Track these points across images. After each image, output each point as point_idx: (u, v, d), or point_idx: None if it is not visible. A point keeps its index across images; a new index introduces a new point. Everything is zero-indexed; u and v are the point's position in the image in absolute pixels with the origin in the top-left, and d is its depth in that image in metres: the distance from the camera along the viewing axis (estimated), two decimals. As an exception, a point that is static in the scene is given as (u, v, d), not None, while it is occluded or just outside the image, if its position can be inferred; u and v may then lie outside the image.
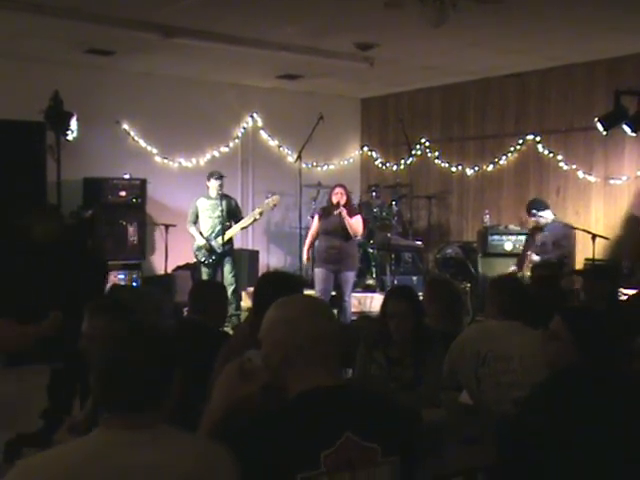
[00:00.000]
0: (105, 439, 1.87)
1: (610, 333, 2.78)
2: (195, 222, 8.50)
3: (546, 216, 7.89)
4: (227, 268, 8.50)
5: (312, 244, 8.22)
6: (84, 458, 1.82)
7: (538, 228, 7.98)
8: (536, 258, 7.61)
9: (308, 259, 8.36)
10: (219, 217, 8.35)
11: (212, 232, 8.40)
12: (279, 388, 2.08)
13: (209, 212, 8.43)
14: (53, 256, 5.01)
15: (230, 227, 8.45)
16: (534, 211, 7.96)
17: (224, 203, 8.39)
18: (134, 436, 1.86)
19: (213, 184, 8.37)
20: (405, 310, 3.90)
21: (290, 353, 2.05)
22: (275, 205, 8.72)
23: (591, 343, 2.73)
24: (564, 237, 7.74)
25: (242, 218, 8.58)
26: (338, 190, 7.96)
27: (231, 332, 5.65)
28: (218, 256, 8.43)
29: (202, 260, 8.45)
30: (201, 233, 8.43)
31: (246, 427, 1.98)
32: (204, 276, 8.46)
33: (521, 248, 8.62)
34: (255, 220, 8.65)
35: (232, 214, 8.53)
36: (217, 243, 8.38)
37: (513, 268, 7.89)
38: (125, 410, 1.89)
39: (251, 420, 2.00)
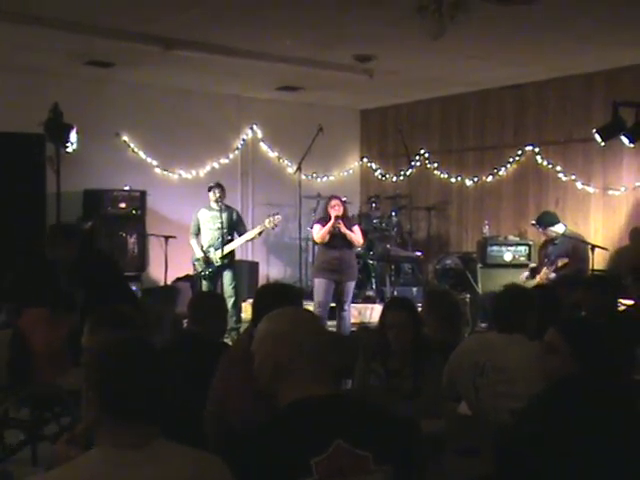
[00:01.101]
0: (104, 458, 1.87)
1: (608, 344, 2.78)
2: (197, 234, 8.45)
3: (557, 230, 7.89)
4: (227, 280, 8.43)
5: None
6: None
7: (549, 241, 7.99)
8: (553, 275, 7.60)
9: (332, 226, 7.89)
10: (219, 229, 8.31)
11: (212, 244, 8.38)
12: (271, 398, 2.11)
13: (210, 224, 8.39)
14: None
15: (231, 239, 8.42)
16: (541, 225, 7.98)
17: (224, 215, 8.35)
18: (133, 454, 1.87)
19: (210, 196, 8.35)
20: (404, 321, 3.90)
21: (280, 364, 2.09)
22: (276, 225, 8.60)
23: (589, 354, 2.73)
24: (574, 251, 7.72)
25: (244, 230, 8.54)
26: (335, 202, 7.92)
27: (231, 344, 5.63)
28: (216, 268, 8.38)
29: (200, 272, 8.43)
30: (202, 246, 8.42)
31: (239, 437, 2.02)
32: (204, 288, 8.42)
33: (521, 258, 8.66)
34: (254, 238, 8.62)
35: (233, 226, 8.46)
36: (215, 256, 8.35)
37: (526, 274, 7.93)
38: (124, 422, 1.89)
39: (244, 430, 2.03)
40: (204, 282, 8.45)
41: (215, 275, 8.42)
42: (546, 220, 8.00)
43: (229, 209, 8.54)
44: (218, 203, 8.28)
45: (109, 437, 1.89)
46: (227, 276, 8.44)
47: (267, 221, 8.48)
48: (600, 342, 2.78)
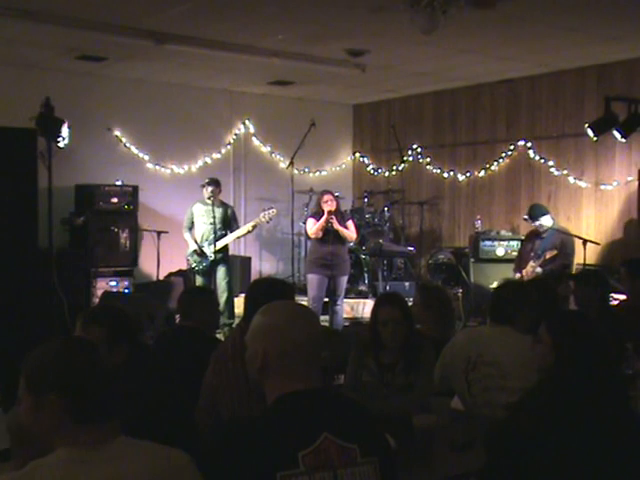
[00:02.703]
0: (65, 459, 1.89)
1: (589, 337, 2.80)
2: (190, 228, 8.43)
3: (544, 222, 7.88)
4: (220, 275, 8.39)
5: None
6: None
7: (536, 234, 7.98)
8: (539, 270, 7.59)
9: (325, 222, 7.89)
10: (212, 224, 8.26)
11: (206, 238, 8.34)
12: (261, 391, 2.13)
13: (204, 218, 8.35)
14: None
15: (224, 235, 8.40)
16: (528, 217, 7.98)
17: (219, 210, 8.35)
18: (94, 453, 1.90)
19: (203, 192, 8.30)
20: (399, 316, 3.90)
21: (271, 358, 2.10)
22: (270, 219, 8.59)
23: (565, 345, 2.76)
24: (562, 245, 7.72)
25: (237, 227, 8.49)
26: (328, 198, 7.93)
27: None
28: (210, 263, 8.35)
29: (193, 266, 8.40)
30: (196, 240, 8.39)
31: (227, 432, 2.03)
32: (198, 283, 8.39)
33: (513, 253, 8.63)
34: (248, 232, 8.60)
35: (227, 222, 8.42)
36: (209, 250, 8.32)
37: (518, 275, 7.86)
38: (85, 424, 1.92)
39: (233, 425, 2.04)
40: (198, 277, 8.43)
41: (209, 270, 8.39)
42: (537, 211, 7.99)
43: (224, 205, 8.53)
44: (211, 199, 8.24)
45: (69, 438, 1.92)
46: (221, 271, 8.41)
47: (262, 215, 8.45)
48: (578, 334, 2.80)
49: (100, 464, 1.89)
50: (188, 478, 1.99)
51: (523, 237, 8.74)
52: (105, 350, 3.25)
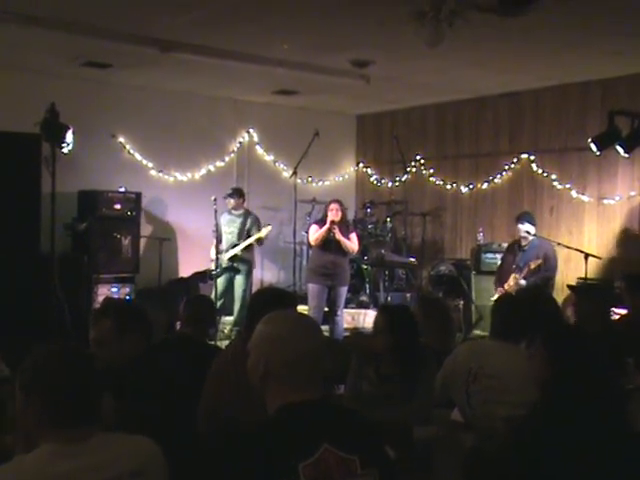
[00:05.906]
0: (46, 452, 2.02)
1: (583, 350, 2.80)
2: (219, 238, 8.87)
3: (529, 229, 7.90)
4: (237, 283, 8.82)
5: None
6: (31, 471, 1.99)
7: (518, 247, 7.99)
8: (523, 282, 7.59)
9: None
10: (231, 233, 8.80)
11: (227, 247, 8.79)
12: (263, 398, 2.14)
13: (226, 227, 8.88)
14: None
15: (236, 245, 8.77)
16: (516, 220, 8.06)
17: (239, 220, 8.81)
18: (72, 447, 2.04)
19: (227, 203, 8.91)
20: (386, 325, 3.91)
21: (274, 368, 2.10)
22: (269, 232, 8.95)
23: (560, 359, 2.76)
24: (546, 257, 7.72)
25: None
26: (334, 206, 7.92)
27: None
28: (223, 270, 8.73)
29: (211, 271, 8.83)
30: (216, 247, 8.84)
31: (228, 442, 2.03)
32: (218, 287, 8.64)
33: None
34: (250, 245, 8.81)
35: (243, 232, 8.81)
36: (222, 258, 8.73)
37: (500, 289, 7.84)
38: (64, 426, 2.05)
39: (234, 435, 2.05)
40: (219, 280, 8.75)
41: (226, 277, 8.80)
42: (525, 217, 8.05)
43: (245, 215, 8.93)
44: (235, 208, 8.87)
45: (50, 437, 2.05)
46: (238, 280, 8.85)
47: (261, 232, 8.80)
48: (574, 349, 2.80)
49: (81, 456, 2.03)
50: (157, 465, 2.18)
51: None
52: (117, 340, 3.35)
